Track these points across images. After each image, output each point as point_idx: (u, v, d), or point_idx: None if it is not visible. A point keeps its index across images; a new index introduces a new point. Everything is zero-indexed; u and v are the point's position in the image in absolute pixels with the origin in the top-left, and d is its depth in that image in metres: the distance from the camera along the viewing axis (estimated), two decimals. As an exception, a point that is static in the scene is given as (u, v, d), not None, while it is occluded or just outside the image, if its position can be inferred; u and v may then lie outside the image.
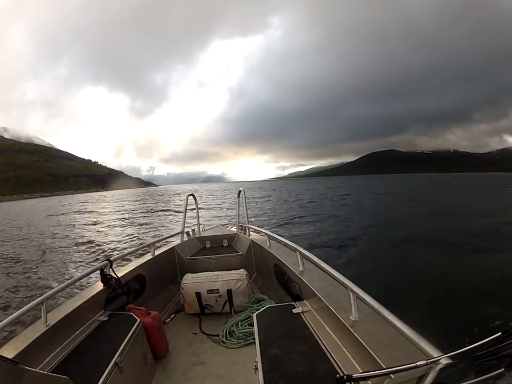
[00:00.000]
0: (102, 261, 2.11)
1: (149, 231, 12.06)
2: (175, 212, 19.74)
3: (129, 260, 2.80)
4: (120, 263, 2.60)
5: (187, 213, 3.54)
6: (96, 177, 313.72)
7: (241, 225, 3.71)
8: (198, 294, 2.50)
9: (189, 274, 2.69)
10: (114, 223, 15.72)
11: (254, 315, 1.66)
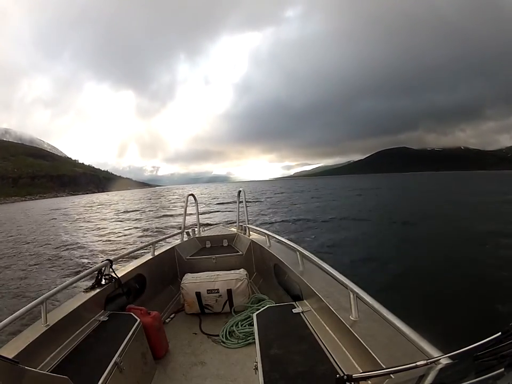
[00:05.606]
0: (102, 261, 2.11)
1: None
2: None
3: (129, 260, 2.80)
4: (120, 263, 2.60)
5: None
6: (65, 178, 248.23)
7: (241, 225, 3.71)
8: (198, 294, 2.50)
9: (189, 274, 2.69)
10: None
11: (254, 315, 1.66)
